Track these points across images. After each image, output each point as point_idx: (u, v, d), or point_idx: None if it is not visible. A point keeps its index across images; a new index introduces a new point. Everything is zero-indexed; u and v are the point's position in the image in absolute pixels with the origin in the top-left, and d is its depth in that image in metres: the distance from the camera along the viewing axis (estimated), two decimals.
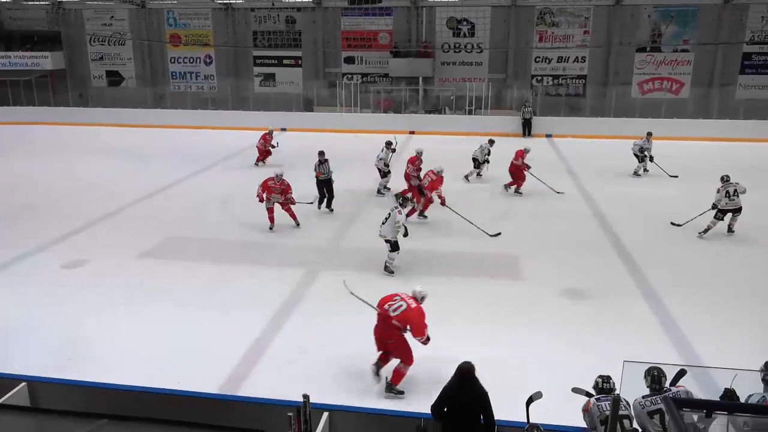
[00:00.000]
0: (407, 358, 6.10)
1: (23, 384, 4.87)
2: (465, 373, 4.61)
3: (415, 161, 13.02)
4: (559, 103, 25.15)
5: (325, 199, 12.75)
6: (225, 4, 26.34)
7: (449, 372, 4.69)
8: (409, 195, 11.58)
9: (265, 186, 11.37)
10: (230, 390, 6.13)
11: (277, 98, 26.33)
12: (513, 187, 14.43)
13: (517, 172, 14.22)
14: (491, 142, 16.01)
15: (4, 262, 9.84)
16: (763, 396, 4.21)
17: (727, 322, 7.71)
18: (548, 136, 22.25)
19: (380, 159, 14.12)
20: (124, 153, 19.41)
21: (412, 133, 23.41)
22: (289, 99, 26.29)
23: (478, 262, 9.95)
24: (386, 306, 6.08)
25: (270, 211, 11.50)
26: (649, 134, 16.36)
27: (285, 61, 27.31)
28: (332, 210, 12.80)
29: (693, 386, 4.51)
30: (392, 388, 6.13)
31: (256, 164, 17.45)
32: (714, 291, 8.67)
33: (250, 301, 8.36)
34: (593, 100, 24.80)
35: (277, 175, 11.36)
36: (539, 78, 25.88)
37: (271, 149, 17.55)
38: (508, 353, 6.86)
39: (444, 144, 20.34)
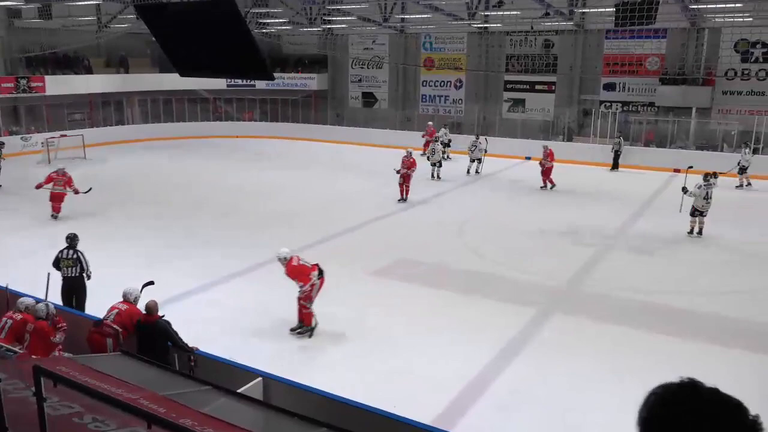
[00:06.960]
0: None
1: (259, 379, 5.10)
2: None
3: None
4: None
5: None
6: (482, 27, 25.93)
7: None
8: None
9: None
10: (444, 424, 5.50)
11: (524, 124, 25.04)
12: None
13: None
14: None
15: (258, 263, 10.15)
16: None
17: None
18: None
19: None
20: (365, 172, 19.81)
21: (677, 171, 20.18)
22: (535, 126, 24.81)
23: None
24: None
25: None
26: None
27: (537, 87, 25.89)
28: None
29: None
30: None
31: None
32: None
33: (475, 334, 7.81)
34: None
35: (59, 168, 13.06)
36: None
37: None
38: None
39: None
